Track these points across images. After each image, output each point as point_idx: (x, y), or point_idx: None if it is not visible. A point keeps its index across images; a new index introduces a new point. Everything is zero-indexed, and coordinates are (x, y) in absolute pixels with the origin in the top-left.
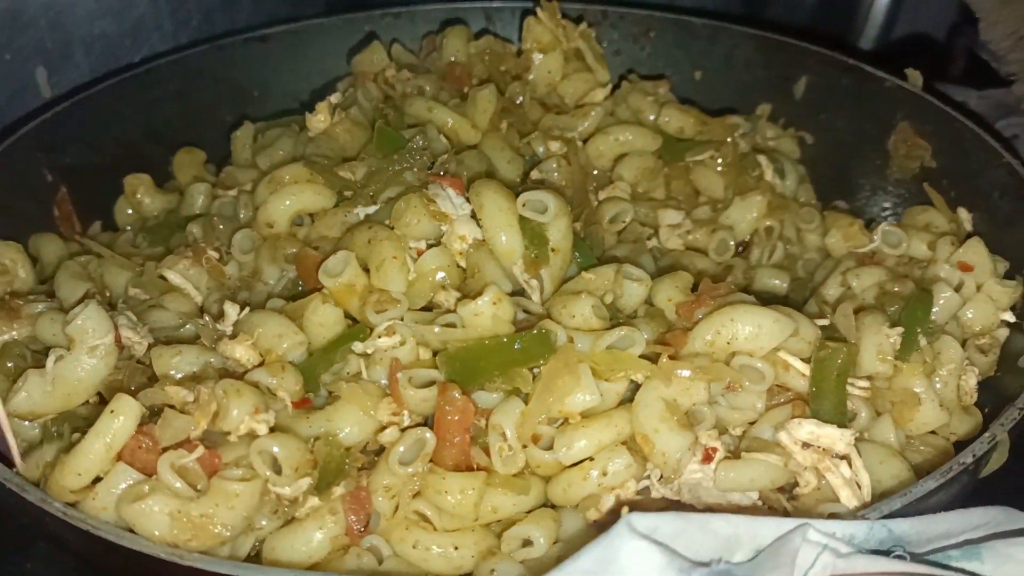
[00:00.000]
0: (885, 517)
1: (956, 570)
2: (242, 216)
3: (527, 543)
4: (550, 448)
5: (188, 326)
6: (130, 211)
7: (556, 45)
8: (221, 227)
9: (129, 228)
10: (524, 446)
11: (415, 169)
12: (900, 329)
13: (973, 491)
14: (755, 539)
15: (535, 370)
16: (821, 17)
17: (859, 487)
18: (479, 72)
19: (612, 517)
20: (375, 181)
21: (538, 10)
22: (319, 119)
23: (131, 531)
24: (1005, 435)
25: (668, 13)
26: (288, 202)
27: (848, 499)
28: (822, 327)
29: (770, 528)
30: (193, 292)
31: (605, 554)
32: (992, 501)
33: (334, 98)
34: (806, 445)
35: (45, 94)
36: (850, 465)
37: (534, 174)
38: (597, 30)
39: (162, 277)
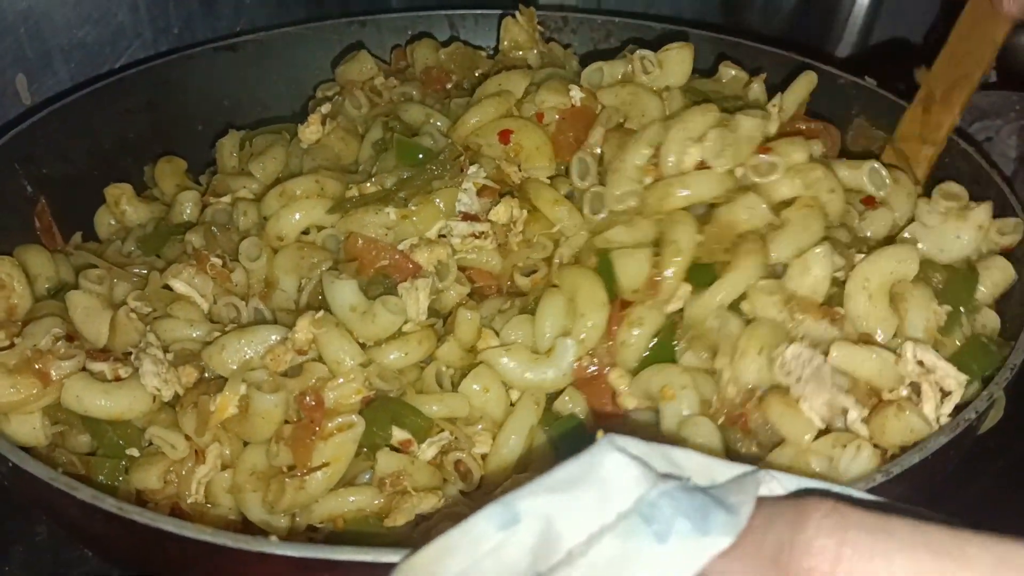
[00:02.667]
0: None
1: None
2: (241, 223)
3: None
4: None
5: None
6: (112, 221)
7: (533, 44)
8: (219, 235)
9: (115, 238)
10: None
11: (446, 176)
12: (948, 308)
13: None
14: (711, 475)
15: None
16: (799, 24)
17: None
18: (455, 74)
19: None
20: (408, 187)
21: (517, 13)
22: (312, 130)
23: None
24: (1001, 393)
25: (628, 19)
26: (299, 216)
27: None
28: None
29: (725, 469)
30: (200, 300)
31: (589, 463)
32: None
33: (324, 108)
34: (921, 364)
35: (25, 101)
36: (940, 405)
37: None
38: (559, 35)
39: (167, 287)
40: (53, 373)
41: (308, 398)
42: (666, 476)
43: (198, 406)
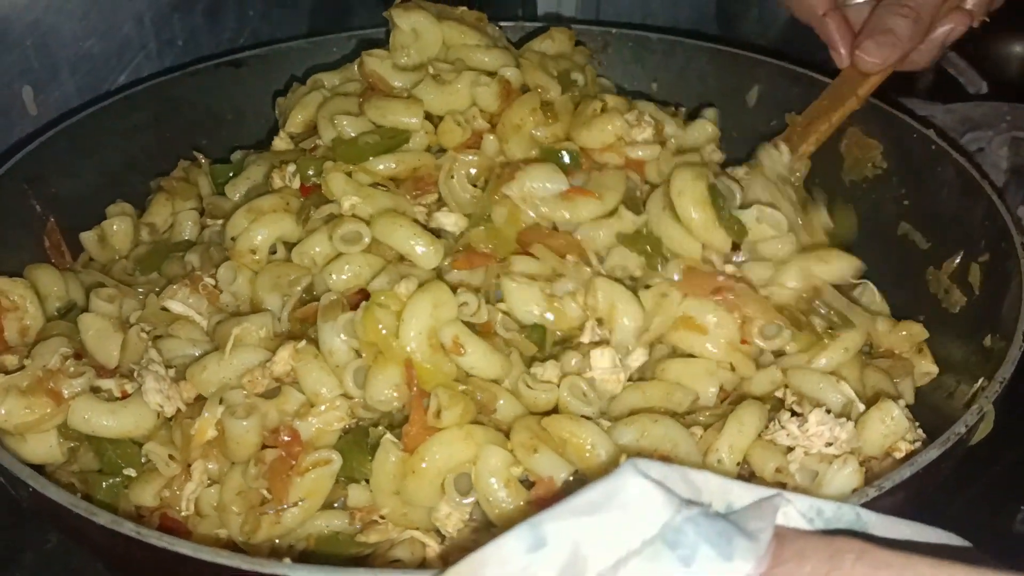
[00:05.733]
0: (885, 494)
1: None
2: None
3: None
4: None
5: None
6: (93, 237)
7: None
8: (215, 255)
9: (118, 256)
10: None
11: None
12: None
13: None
14: (727, 498)
15: None
16: (794, 34)
17: None
18: None
19: None
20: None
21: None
22: (281, 145)
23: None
24: (991, 407)
25: (626, 29)
26: (265, 232)
27: None
28: None
29: (742, 491)
30: (198, 318)
31: (612, 488)
32: None
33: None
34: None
35: (32, 112)
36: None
37: None
38: None
39: (164, 308)
40: (64, 392)
41: (283, 434)
42: (688, 502)
43: (183, 427)
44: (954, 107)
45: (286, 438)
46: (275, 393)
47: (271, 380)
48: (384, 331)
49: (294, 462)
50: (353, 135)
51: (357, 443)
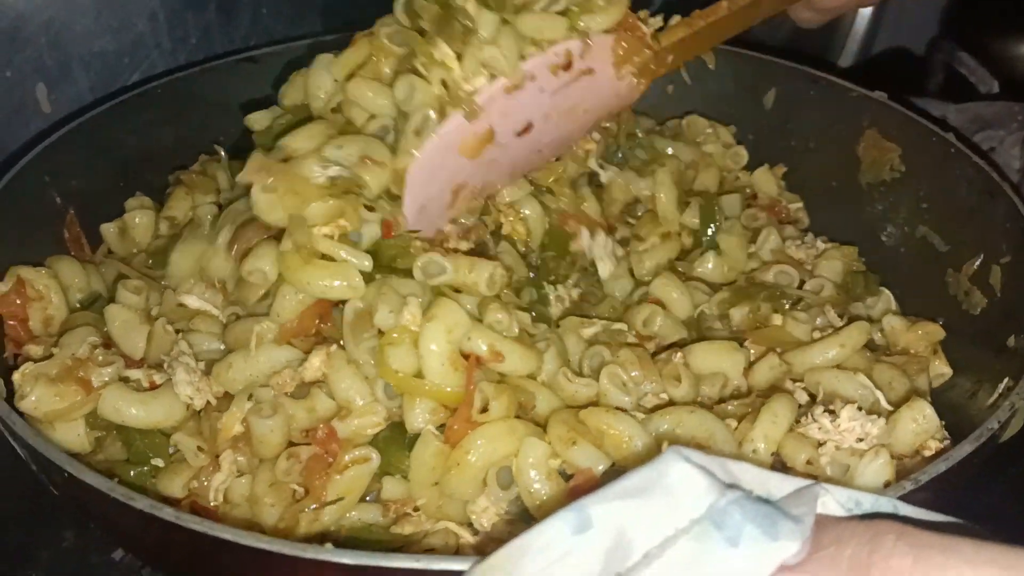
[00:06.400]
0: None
1: None
2: None
3: None
4: None
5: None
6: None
7: None
8: None
9: (136, 250)
10: None
11: None
12: None
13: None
14: (766, 487)
15: None
16: (803, 34)
17: None
18: None
19: None
20: None
21: None
22: None
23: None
24: (1022, 403)
25: None
26: None
27: None
28: None
29: (780, 482)
30: (216, 312)
31: (657, 473)
32: None
33: None
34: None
35: (45, 110)
36: None
37: None
38: None
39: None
40: (94, 380)
41: (320, 431)
42: (731, 486)
43: (211, 421)
44: (966, 107)
45: (324, 434)
46: (303, 393)
47: (300, 383)
48: (402, 373)
49: (332, 460)
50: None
51: (395, 439)
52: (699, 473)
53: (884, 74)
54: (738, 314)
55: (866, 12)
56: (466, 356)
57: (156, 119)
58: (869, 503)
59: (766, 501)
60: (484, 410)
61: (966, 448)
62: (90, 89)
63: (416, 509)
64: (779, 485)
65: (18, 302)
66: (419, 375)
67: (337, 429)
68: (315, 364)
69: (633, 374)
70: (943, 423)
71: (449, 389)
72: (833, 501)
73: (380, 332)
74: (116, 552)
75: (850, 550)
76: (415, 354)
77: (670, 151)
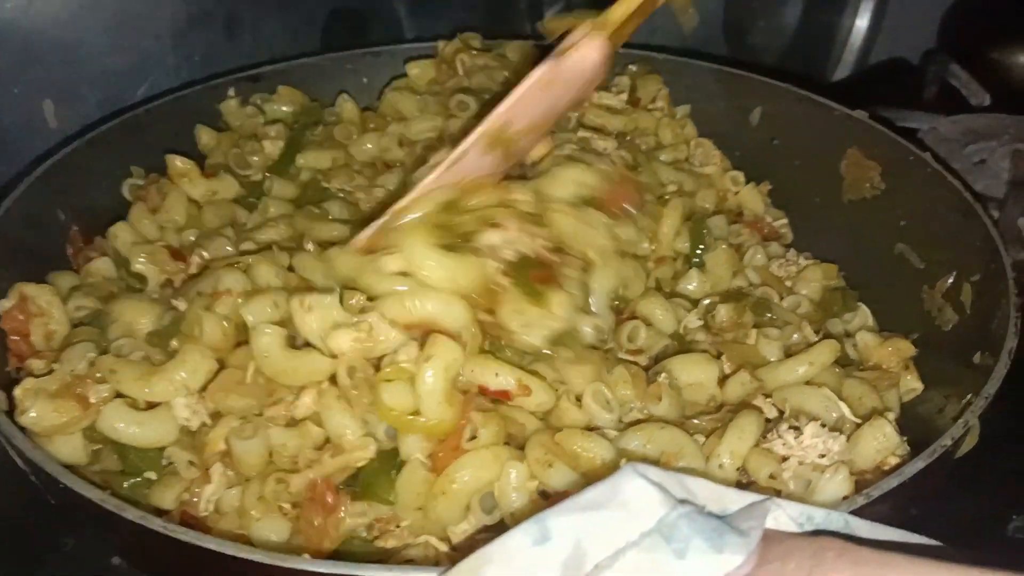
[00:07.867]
0: (873, 502)
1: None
2: None
3: None
4: None
5: None
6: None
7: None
8: None
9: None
10: None
11: None
12: None
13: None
14: (722, 503)
15: None
16: (800, 46)
17: None
18: None
19: None
20: None
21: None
22: None
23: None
24: (976, 421)
25: (631, 48)
26: None
27: None
28: None
29: (736, 497)
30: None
31: (613, 487)
32: None
33: None
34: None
35: (52, 126)
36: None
37: None
38: None
39: None
40: (91, 397)
41: (319, 486)
42: (683, 501)
43: (203, 437)
44: (957, 119)
45: (324, 491)
46: (295, 423)
47: (290, 420)
48: (400, 414)
49: (330, 513)
50: None
51: (384, 471)
52: (653, 488)
53: (880, 86)
54: (724, 311)
55: (863, 24)
56: (464, 391)
57: (161, 136)
58: (821, 518)
59: (715, 516)
60: (472, 437)
61: (918, 464)
62: (97, 105)
63: (398, 526)
64: (735, 499)
65: (21, 318)
66: (416, 412)
67: (325, 463)
68: (306, 403)
69: (624, 393)
70: (909, 438)
71: (443, 424)
72: (786, 516)
73: (376, 369)
74: (114, 558)
75: (793, 564)
76: (411, 392)
77: (672, 187)
